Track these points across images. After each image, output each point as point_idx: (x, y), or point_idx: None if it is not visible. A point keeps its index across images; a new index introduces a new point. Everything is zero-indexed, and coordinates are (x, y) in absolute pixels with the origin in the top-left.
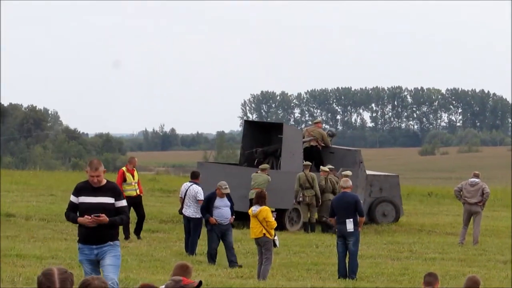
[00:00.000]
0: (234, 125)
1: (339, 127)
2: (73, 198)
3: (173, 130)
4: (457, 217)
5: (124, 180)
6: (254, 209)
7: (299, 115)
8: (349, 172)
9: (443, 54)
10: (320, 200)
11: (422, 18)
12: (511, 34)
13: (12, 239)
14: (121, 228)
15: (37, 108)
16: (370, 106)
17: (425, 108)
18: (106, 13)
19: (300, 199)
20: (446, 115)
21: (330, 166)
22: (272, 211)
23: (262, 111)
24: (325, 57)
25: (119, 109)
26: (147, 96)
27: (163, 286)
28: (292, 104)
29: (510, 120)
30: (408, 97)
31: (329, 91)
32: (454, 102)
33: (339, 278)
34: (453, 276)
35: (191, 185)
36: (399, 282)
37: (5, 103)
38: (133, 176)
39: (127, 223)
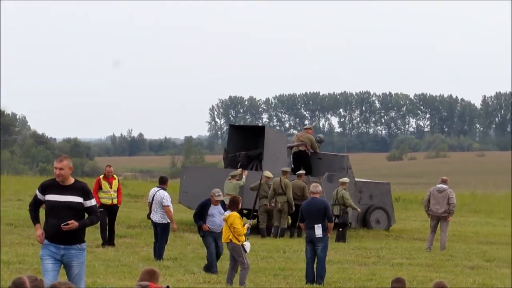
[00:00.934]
0: (202, 130)
1: None
2: (38, 194)
3: (141, 135)
4: (424, 223)
5: (100, 188)
6: (225, 214)
7: (267, 120)
8: (346, 179)
9: (411, 59)
10: (293, 207)
11: (390, 23)
12: (482, 41)
13: None
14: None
15: (5, 113)
16: (338, 111)
17: (393, 113)
18: (67, 12)
19: (273, 204)
20: (414, 120)
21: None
22: (246, 224)
23: (230, 116)
24: (293, 62)
25: (87, 114)
26: (115, 101)
27: None
28: (260, 109)
29: (477, 126)
30: (376, 102)
31: (297, 96)
32: (422, 107)
33: (306, 283)
34: (421, 282)
35: (158, 190)
36: (366, 287)
37: None
38: (110, 184)
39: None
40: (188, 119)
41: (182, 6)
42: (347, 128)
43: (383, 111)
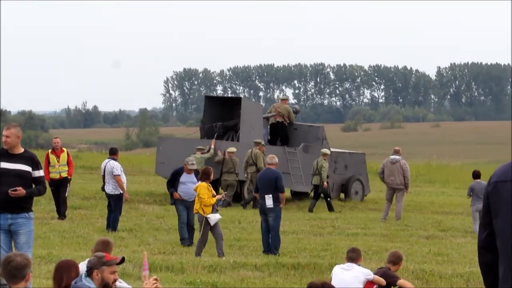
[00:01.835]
0: (156, 103)
1: (262, 104)
2: None
3: (95, 107)
4: (379, 193)
5: (49, 162)
6: (196, 184)
7: (222, 92)
8: (327, 151)
9: (365, 31)
10: None
11: None
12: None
13: None
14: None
15: None
16: (292, 83)
17: (348, 85)
18: None
19: (245, 175)
20: (369, 91)
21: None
22: (221, 195)
23: (185, 88)
24: (248, 34)
25: (41, 87)
26: (70, 73)
27: (86, 262)
28: (215, 81)
29: (432, 97)
30: (331, 73)
31: (251, 68)
32: (376, 78)
33: (263, 253)
34: (376, 252)
35: (109, 161)
36: (321, 257)
37: None
38: (58, 158)
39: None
40: (143, 91)
41: None
42: (302, 99)
43: (337, 83)
